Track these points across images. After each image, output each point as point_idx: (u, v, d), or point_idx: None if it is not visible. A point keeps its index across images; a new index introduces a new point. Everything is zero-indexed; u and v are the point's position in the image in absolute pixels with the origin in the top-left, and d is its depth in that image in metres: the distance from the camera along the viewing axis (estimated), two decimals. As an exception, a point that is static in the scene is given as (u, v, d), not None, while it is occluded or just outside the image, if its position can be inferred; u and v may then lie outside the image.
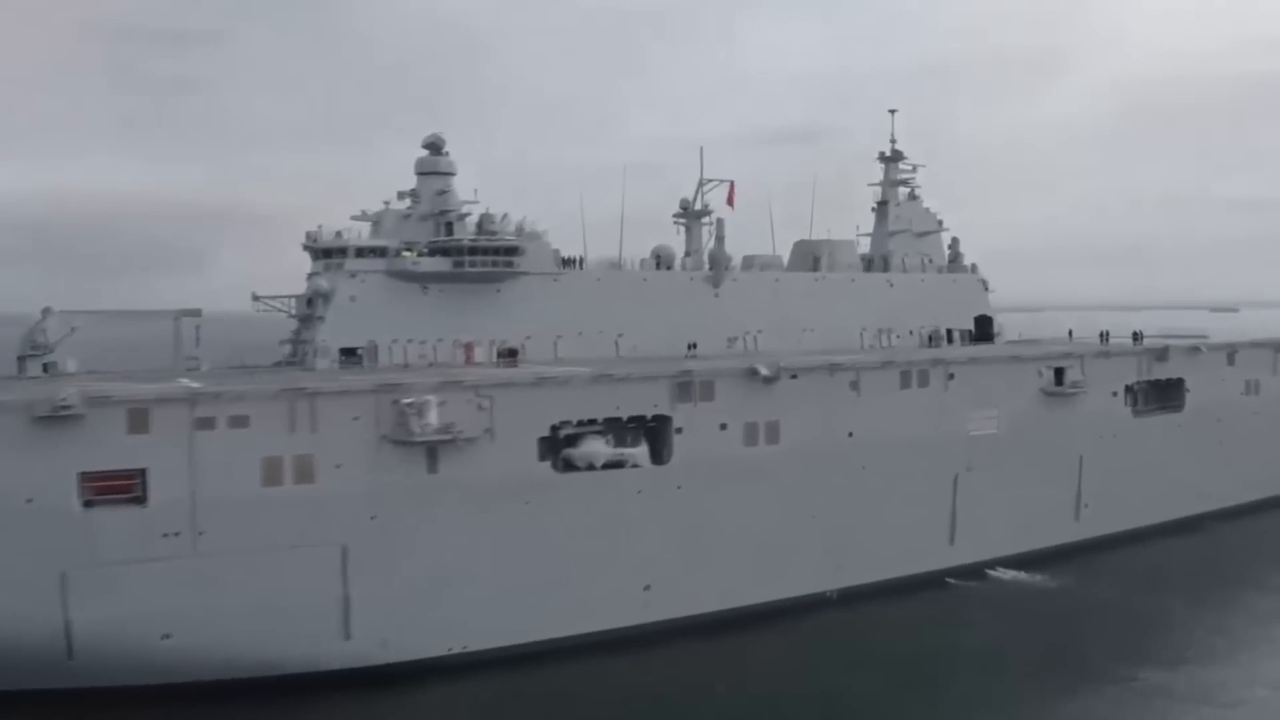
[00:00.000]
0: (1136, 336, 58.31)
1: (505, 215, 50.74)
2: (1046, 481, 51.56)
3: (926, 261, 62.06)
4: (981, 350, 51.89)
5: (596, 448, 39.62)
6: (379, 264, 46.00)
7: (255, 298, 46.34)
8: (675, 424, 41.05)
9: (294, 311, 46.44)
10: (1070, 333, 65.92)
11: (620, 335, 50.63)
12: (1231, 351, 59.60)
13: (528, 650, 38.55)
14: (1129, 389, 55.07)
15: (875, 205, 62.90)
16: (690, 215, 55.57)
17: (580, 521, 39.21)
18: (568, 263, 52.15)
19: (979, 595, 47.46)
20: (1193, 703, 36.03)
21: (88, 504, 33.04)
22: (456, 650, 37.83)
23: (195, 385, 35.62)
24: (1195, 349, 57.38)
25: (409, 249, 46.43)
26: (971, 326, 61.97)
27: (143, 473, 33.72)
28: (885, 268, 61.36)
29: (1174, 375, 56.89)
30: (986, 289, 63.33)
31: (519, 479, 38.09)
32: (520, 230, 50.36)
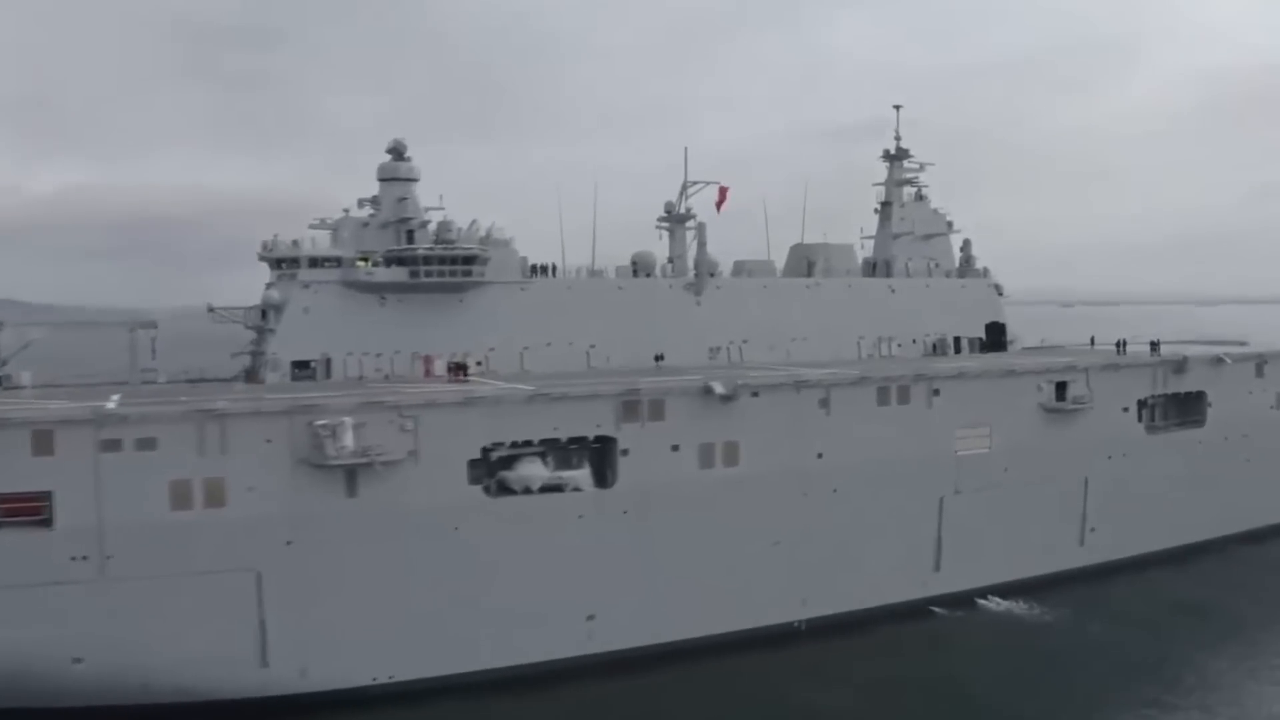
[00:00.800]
0: (1154, 346, 54.20)
1: (474, 221, 49.17)
2: (1046, 504, 48.09)
3: (933, 266, 58.73)
4: (971, 363, 48.43)
5: (533, 470, 37.68)
6: (334, 274, 44.71)
7: (211, 309, 45.45)
8: (620, 445, 38.85)
9: (249, 323, 45.41)
10: (1092, 340, 61.84)
11: (592, 346, 48.63)
12: (1261, 362, 55.11)
13: (460, 681, 36.92)
14: (1142, 404, 51.18)
15: (878, 206, 59.75)
16: (673, 220, 53.26)
17: (515, 548, 37.31)
18: (541, 271, 50.37)
19: (962, 627, 44.34)
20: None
21: (-7, 526, 32.23)
22: (382, 680, 36.34)
23: (110, 405, 34.56)
24: (1219, 360, 53.11)
25: (364, 259, 45.04)
26: (982, 334, 58.59)
27: (49, 495, 32.88)
28: (888, 273, 58.26)
29: (1194, 388, 52.76)
30: (1000, 294, 59.76)
31: (446, 503, 36.35)
32: (489, 237, 48.76)
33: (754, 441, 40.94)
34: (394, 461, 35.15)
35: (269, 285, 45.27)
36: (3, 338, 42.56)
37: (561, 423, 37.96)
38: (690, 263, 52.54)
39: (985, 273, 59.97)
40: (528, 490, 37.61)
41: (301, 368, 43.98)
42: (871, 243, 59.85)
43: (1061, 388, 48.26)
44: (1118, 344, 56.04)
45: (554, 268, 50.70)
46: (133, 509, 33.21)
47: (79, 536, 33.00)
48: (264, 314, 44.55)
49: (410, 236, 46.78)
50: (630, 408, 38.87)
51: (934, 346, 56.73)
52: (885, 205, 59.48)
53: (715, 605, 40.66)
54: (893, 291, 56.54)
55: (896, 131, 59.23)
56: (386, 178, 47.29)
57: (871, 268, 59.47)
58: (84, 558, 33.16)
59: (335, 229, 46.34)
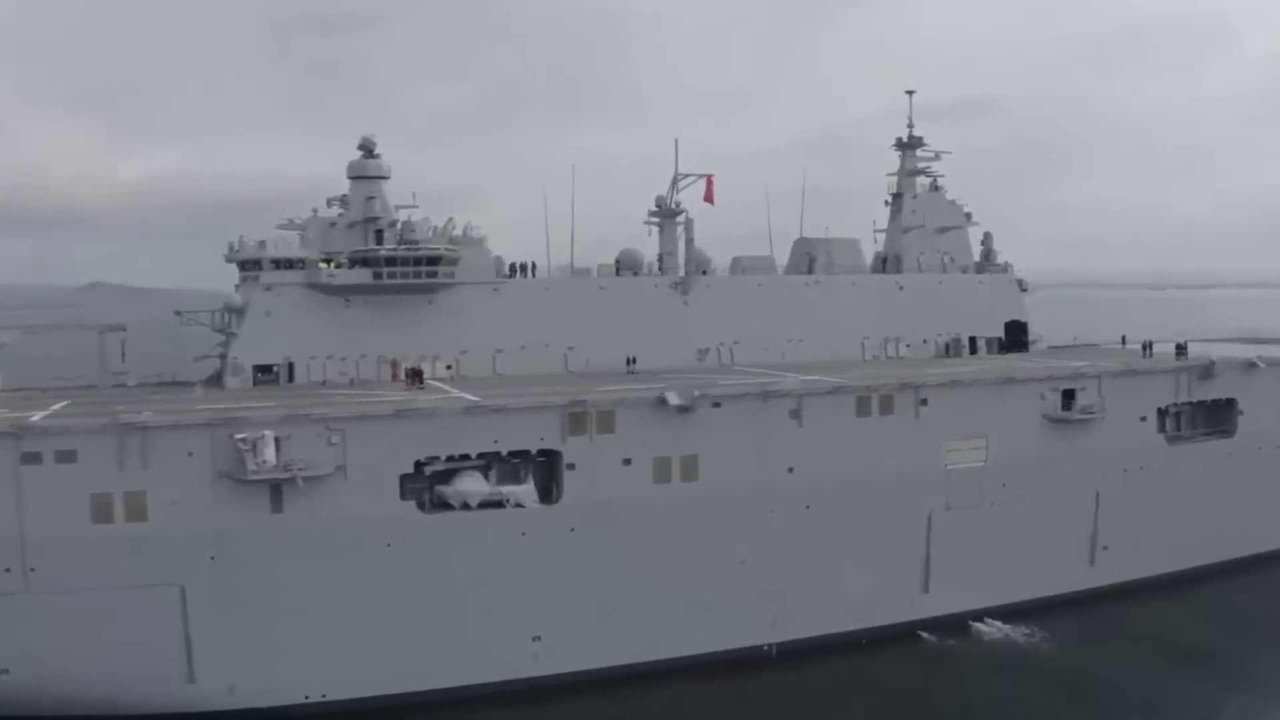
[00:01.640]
0: (1179, 349, 50.04)
1: (450, 220, 47.73)
2: (1052, 521, 44.72)
3: (947, 260, 55.37)
4: (966, 369, 45.05)
5: (471, 485, 36.10)
6: (297, 276, 43.71)
7: (178, 313, 44.89)
8: (566, 459, 36.99)
9: (215, 326, 44.71)
10: (1124, 339, 57.71)
11: (570, 349, 46.84)
12: (1302, 366, 50.54)
13: (398, 702, 35.83)
14: (1163, 412, 47.30)
15: (889, 198, 56.53)
16: (664, 214, 51.03)
17: (452, 565, 35.84)
18: (521, 270, 48.68)
19: (948, 654, 41.46)
20: None
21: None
22: (314, 699, 35.34)
23: (35, 417, 34.02)
24: (1251, 364, 48.78)
25: (327, 260, 43.92)
26: (1001, 334, 55.08)
27: None
28: (898, 268, 55.12)
29: (1223, 395, 48.60)
30: (1023, 289, 56.07)
31: (377, 519, 35.01)
32: (465, 236, 47.26)
33: (715, 455, 38.65)
34: (317, 477, 33.89)
35: (236, 287, 44.46)
36: (-27, 342, 42.66)
37: (502, 436, 36.26)
38: (681, 260, 50.50)
39: (1007, 267, 56.38)
40: (466, 506, 36.04)
41: (264, 372, 43.16)
42: (885, 237, 56.79)
43: (1069, 396, 44.74)
44: (1144, 346, 52.06)
45: (533, 267, 49.03)
46: (53, 522, 32.64)
47: (2, 548, 32.56)
48: (227, 317, 43.75)
49: (379, 237, 45.50)
50: (577, 419, 36.96)
51: (947, 347, 53.51)
52: (896, 197, 56.26)
53: (673, 627, 38.63)
54: (901, 289, 53.42)
55: (909, 119, 55.97)
56: (355, 176, 46.04)
57: (882, 263, 56.43)
58: (7, 570, 32.76)
59: (303, 229, 45.26)
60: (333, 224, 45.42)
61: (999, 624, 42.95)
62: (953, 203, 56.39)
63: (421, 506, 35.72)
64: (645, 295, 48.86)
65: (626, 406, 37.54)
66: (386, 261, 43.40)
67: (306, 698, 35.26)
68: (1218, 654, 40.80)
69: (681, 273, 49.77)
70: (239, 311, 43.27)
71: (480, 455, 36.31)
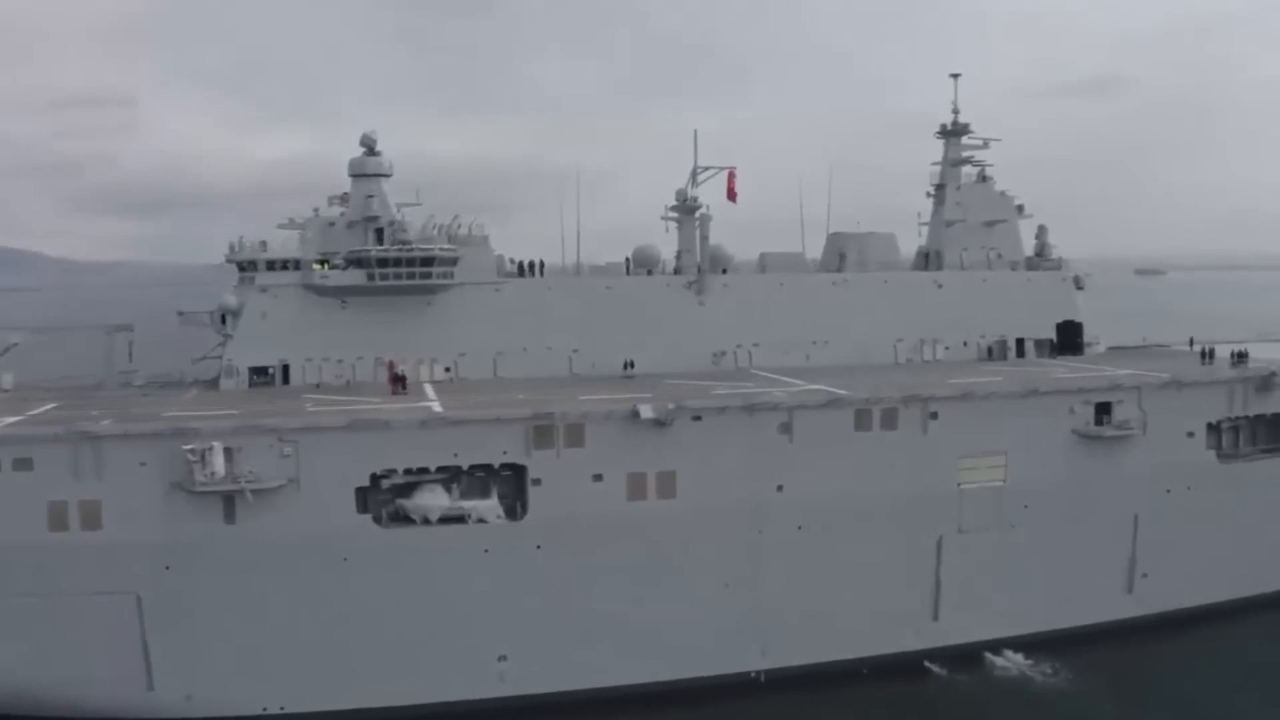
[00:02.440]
0: (1238, 357, 45.16)
1: (456, 217, 46.68)
2: (1082, 546, 41.00)
3: (993, 256, 51.54)
4: (979, 381, 41.29)
5: (431, 500, 34.92)
6: (293, 278, 43.31)
7: (180, 314, 45.05)
8: (532, 474, 35.45)
9: (215, 327, 44.68)
10: (1191, 342, 52.76)
11: (575, 351, 45.28)
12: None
13: (357, 717, 35.16)
14: (1214, 427, 42.81)
15: (931, 189, 52.91)
16: (682, 209, 48.82)
17: (411, 581, 34.82)
18: (530, 269, 47.28)
19: (954, 688, 38.50)
20: None
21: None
22: (273, 710, 34.96)
23: (8, 421, 34.36)
24: (1320, 376, 43.71)
25: (321, 261, 43.35)
26: (1053, 335, 51.05)
27: None
28: (940, 265, 51.60)
29: None
30: (1078, 287, 51.82)
31: (332, 533, 34.21)
32: (470, 234, 46.14)
33: (695, 471, 36.51)
34: (269, 489, 33.24)
35: (234, 288, 44.33)
36: (-15, 342, 43.65)
37: (462, 449, 34.95)
38: (700, 257, 48.25)
39: (1060, 264, 52.15)
40: (427, 520, 34.92)
41: (260, 374, 42.98)
42: (928, 231, 53.29)
43: (1104, 409, 40.86)
44: (1203, 352, 47.35)
45: (541, 265, 47.57)
46: (11, 529, 32.87)
47: None
48: (223, 318, 43.66)
49: (379, 236, 44.72)
50: (543, 432, 35.35)
51: (990, 350, 49.86)
52: (939, 188, 52.60)
53: (652, 650, 36.81)
54: (939, 287, 49.93)
55: (954, 104, 52.15)
56: (356, 174, 45.31)
57: (924, 259, 52.95)
58: None
59: (303, 229, 44.81)
60: (332, 224, 44.83)
61: (1018, 657, 39.65)
62: (1002, 194, 52.41)
63: (379, 520, 34.75)
64: (656, 295, 46.86)
65: (597, 420, 35.74)
66: (379, 262, 42.60)
67: (265, 709, 34.90)
68: (1272, 695, 36.96)
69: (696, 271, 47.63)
70: (235, 313, 43.14)
71: (441, 469, 35.11)
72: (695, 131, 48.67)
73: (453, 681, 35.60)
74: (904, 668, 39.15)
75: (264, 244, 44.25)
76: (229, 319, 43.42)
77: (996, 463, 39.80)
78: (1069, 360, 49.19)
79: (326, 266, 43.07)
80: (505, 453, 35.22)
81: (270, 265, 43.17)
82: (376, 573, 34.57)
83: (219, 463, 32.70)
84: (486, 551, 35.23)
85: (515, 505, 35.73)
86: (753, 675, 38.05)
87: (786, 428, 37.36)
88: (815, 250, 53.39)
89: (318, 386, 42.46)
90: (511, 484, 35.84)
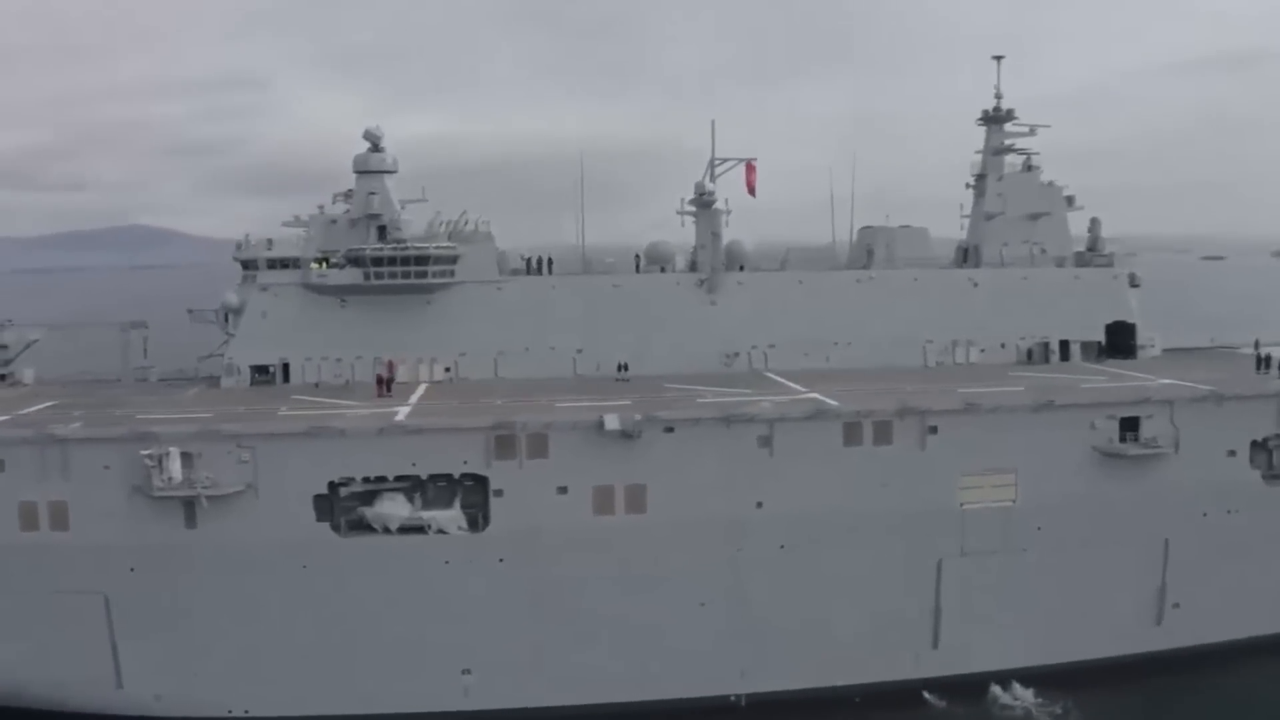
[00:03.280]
0: (1293, 368, 40.72)
1: (464, 213, 46.00)
2: (1104, 572, 37.67)
3: (1037, 252, 47.97)
4: (988, 392, 37.83)
5: (390, 509, 34.28)
6: (293, 276, 43.30)
7: (190, 311, 45.62)
8: (493, 485, 34.44)
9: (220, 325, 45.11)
10: (1257, 345, 48.00)
11: (579, 351, 44.10)
12: None
13: (321, 723, 34.94)
14: (1261, 445, 38.75)
15: (972, 180, 49.52)
16: (700, 203, 46.90)
17: (370, 591, 34.32)
18: (538, 267, 46.22)
19: (948, 721, 36.08)
20: None
21: None
22: (237, 714, 35.14)
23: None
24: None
25: (320, 260, 43.18)
26: (1101, 337, 47.33)
27: None
28: (978, 261, 48.35)
29: None
30: (1133, 284, 47.87)
31: (291, 540, 33.93)
32: (474, 231, 45.38)
33: (667, 485, 34.87)
34: (226, 495, 33.16)
35: (238, 287, 44.62)
36: (7, 337, 45.10)
37: (421, 458, 34.17)
38: (719, 253, 46.34)
39: (1113, 260, 48.18)
40: (387, 530, 34.34)
41: (261, 372, 43.20)
42: (969, 225, 50.01)
43: (1130, 425, 37.42)
44: (1259, 359, 42.97)
45: (549, 261, 46.43)
46: None
47: None
48: (227, 317, 44.01)
49: (381, 233, 44.31)
50: (504, 442, 34.27)
51: (1029, 353, 46.51)
52: (979, 179, 49.20)
53: (623, 669, 35.49)
54: (975, 285, 46.77)
55: (997, 89, 48.57)
56: (360, 170, 44.93)
57: (964, 255, 49.72)
58: None
59: (307, 226, 44.74)
60: (334, 221, 44.63)
61: (1026, 693, 36.74)
62: (1050, 185, 48.72)
63: (337, 529, 34.32)
64: (665, 294, 45.23)
65: (561, 430, 34.47)
66: (373, 261, 42.21)
67: (230, 712, 35.07)
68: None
69: (721, 267, 45.71)
70: (236, 312, 43.41)
71: (402, 478, 34.45)
72: (713, 122, 46.80)
73: (417, 693, 35.07)
74: (900, 697, 36.82)
75: (270, 242, 44.39)
76: (231, 317, 43.74)
77: (1005, 481, 36.90)
78: (1118, 364, 45.56)
79: (325, 265, 42.90)
80: (466, 463, 34.30)
81: (271, 264, 43.24)
82: (336, 581, 34.19)
83: (176, 468, 32.77)
84: (447, 563, 34.47)
85: (479, 517, 34.83)
86: (733, 699, 36.39)
87: (766, 441, 35.35)
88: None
89: (317, 386, 42.43)
90: (477, 495, 34.93)
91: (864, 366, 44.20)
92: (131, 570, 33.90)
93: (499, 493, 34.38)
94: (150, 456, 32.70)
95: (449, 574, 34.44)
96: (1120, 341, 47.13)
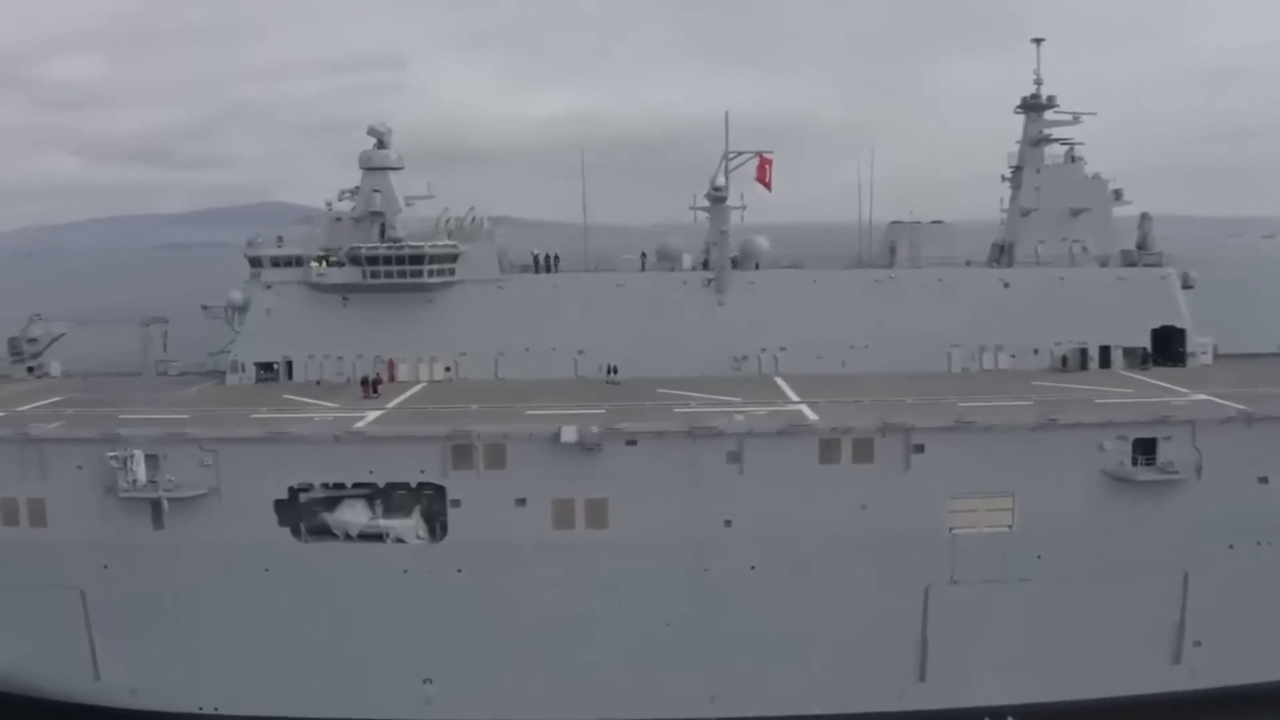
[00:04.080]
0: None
1: (471, 209, 45.63)
2: (1115, 605, 34.67)
3: (1078, 250, 44.50)
4: (983, 406, 34.92)
5: (350, 515, 34.09)
6: (297, 274, 43.56)
7: (204, 307, 46.39)
8: (451, 495, 33.81)
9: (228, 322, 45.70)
10: None
11: (581, 352, 43.14)
12: None
13: (289, 723, 35.21)
14: None
15: (1008, 172, 46.19)
16: (713, 199, 45.11)
17: (330, 596, 34.24)
18: (546, 264, 45.35)
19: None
20: None
21: None
22: (208, 710, 35.73)
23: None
24: None
25: (321, 258, 43.28)
26: (1147, 343, 43.66)
27: None
28: (1011, 260, 45.19)
29: None
30: (1185, 285, 43.97)
31: (253, 543, 34.08)
32: (481, 228, 44.84)
33: (630, 500, 33.61)
34: (188, 498, 33.51)
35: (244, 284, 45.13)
36: (36, 330, 46.87)
37: (378, 466, 33.80)
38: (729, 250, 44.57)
39: (1162, 258, 44.30)
40: (348, 536, 34.18)
41: (266, 370, 43.69)
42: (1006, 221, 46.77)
43: (1146, 447, 34.25)
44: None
45: (556, 259, 45.48)
46: None
47: None
48: (233, 314, 44.58)
49: (383, 231, 44.15)
50: (462, 453, 33.57)
51: (1064, 359, 43.27)
52: (1016, 171, 45.85)
53: (585, 687, 34.59)
54: (1006, 286, 43.72)
55: (1037, 74, 45.05)
56: (365, 167, 44.81)
57: (999, 253, 46.56)
58: None
59: (314, 224, 44.93)
60: (339, 219, 44.65)
61: None
62: (1094, 177, 45.07)
63: (298, 534, 34.33)
64: (672, 294, 43.79)
65: (519, 441, 33.56)
66: (370, 260, 42.08)
67: (200, 709, 35.67)
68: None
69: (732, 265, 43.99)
70: (241, 309, 43.95)
71: (362, 485, 34.18)
72: (726, 114, 44.81)
73: (380, 700, 34.98)
74: (881, 727, 34.92)
75: (280, 239, 44.79)
76: (236, 315, 44.31)
77: (1002, 505, 34.30)
78: (1163, 372, 41.93)
79: (326, 264, 42.98)
80: (423, 472, 33.78)
81: (276, 262, 43.58)
82: (297, 586, 34.25)
83: (140, 470, 33.29)
84: (406, 572, 34.10)
85: (436, 527, 34.33)
86: (705, 723, 35.09)
87: (736, 457, 33.68)
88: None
89: (318, 383, 42.67)
90: (439, 504, 34.42)
91: (882, 372, 41.89)
92: (105, 567, 34.68)
93: (456, 503, 33.78)
94: (116, 458, 33.27)
95: (407, 583, 34.09)
96: (1168, 347, 43.37)
